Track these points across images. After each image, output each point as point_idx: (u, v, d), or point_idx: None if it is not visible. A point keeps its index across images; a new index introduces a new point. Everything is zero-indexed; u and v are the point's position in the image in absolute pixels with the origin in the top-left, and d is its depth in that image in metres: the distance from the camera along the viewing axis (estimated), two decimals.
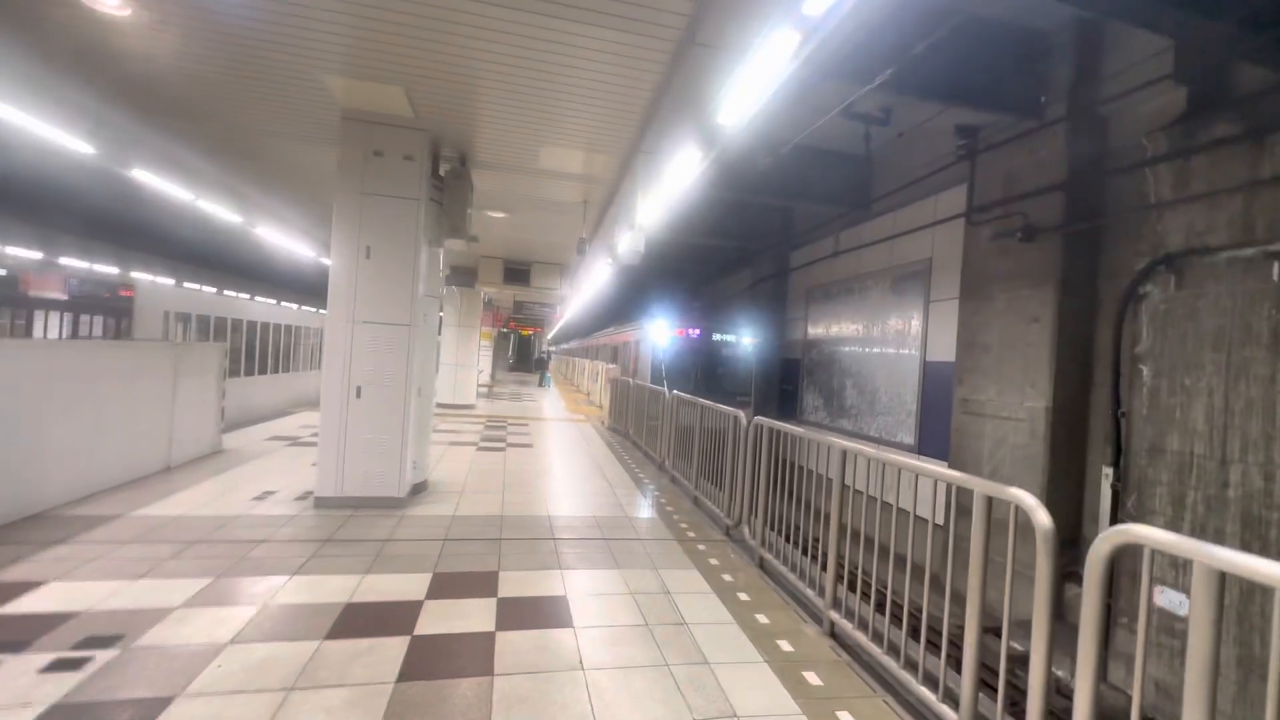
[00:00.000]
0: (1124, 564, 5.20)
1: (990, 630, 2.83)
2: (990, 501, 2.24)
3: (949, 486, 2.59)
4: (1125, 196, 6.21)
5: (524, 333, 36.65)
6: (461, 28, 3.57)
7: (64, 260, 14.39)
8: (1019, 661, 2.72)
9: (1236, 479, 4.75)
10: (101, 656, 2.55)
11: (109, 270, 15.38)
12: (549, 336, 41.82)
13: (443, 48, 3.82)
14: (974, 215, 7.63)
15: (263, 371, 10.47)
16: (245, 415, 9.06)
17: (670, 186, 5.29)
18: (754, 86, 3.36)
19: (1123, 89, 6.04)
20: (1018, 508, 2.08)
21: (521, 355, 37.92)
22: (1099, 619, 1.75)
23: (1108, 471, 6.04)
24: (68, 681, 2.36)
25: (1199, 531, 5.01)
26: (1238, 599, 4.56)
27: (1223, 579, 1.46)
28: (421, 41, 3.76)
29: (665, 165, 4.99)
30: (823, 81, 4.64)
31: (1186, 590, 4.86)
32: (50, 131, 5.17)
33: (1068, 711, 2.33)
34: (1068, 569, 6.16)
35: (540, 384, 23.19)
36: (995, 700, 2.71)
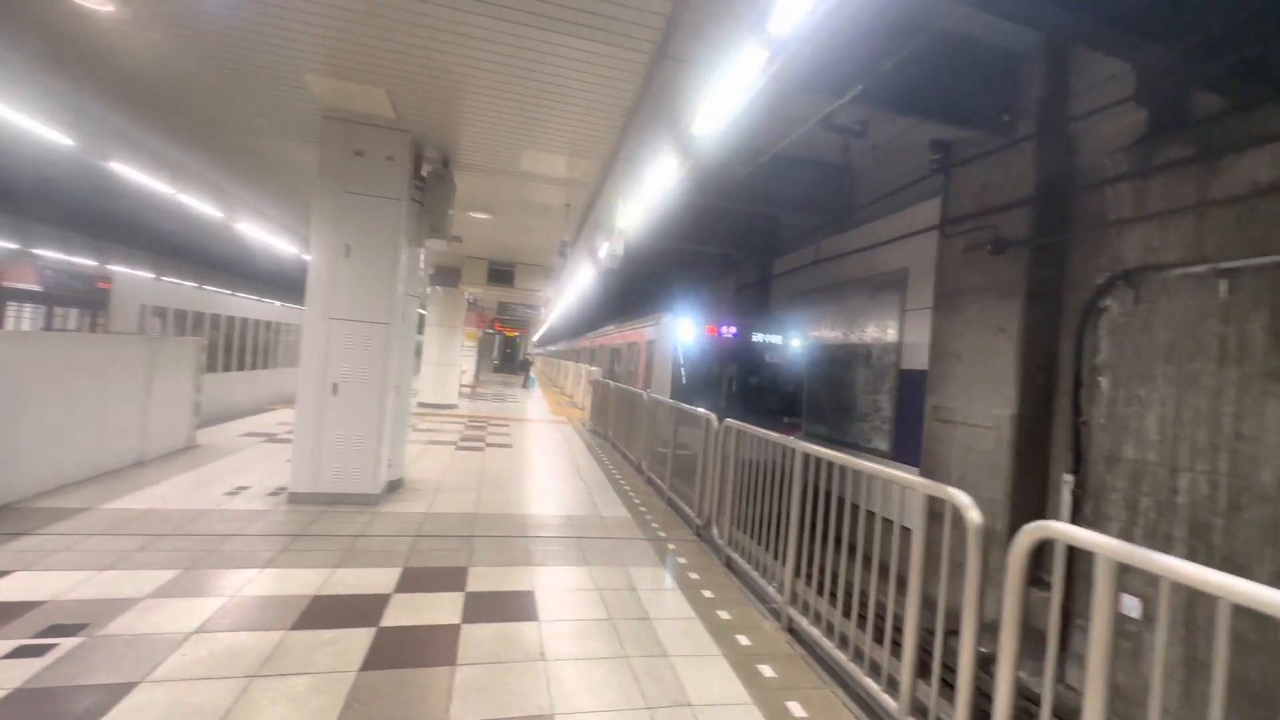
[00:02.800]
0: (1080, 568, 5.38)
1: (951, 633, 2.95)
2: (930, 500, 2.37)
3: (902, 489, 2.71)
4: (1089, 213, 6.45)
5: (509, 334, 36.59)
6: (444, 33, 3.65)
7: (39, 251, 14.17)
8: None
9: (1185, 486, 4.96)
10: (65, 644, 2.57)
11: (85, 262, 15.17)
12: (534, 339, 41.75)
13: (425, 51, 3.89)
14: (947, 227, 7.84)
15: (240, 368, 10.39)
16: (223, 411, 9.00)
17: (649, 192, 5.41)
18: (726, 99, 3.49)
19: (1088, 109, 6.28)
20: (954, 506, 2.20)
21: (506, 357, 37.82)
22: (1019, 606, 1.88)
23: (1068, 478, 6.25)
24: (29, 668, 2.38)
25: (1151, 536, 5.21)
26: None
27: (1120, 570, 1.59)
28: (404, 44, 3.83)
29: (644, 172, 5.10)
30: (796, 95, 4.79)
31: (1137, 595, 5.06)
32: (29, 122, 5.15)
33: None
34: (1033, 575, 6.36)
35: (524, 385, 23.18)
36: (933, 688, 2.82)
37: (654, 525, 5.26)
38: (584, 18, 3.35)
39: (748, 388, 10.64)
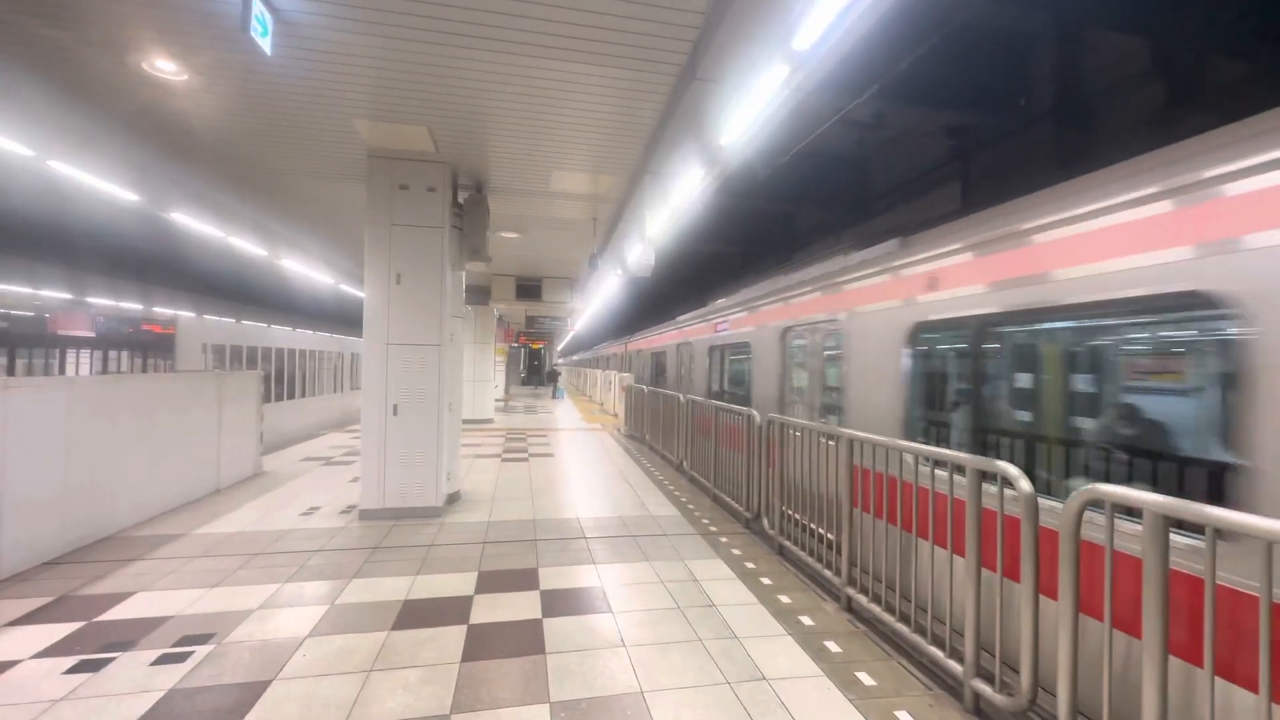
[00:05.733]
0: None
1: None
2: (981, 475, 2.53)
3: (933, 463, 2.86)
4: None
5: (534, 346, 37.12)
6: (479, 72, 3.93)
7: (122, 303, 15.20)
8: None
9: None
10: (200, 651, 2.88)
11: (159, 309, 16.33)
12: (559, 348, 42.21)
13: (461, 88, 4.17)
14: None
15: (290, 397, 10.88)
16: (277, 439, 9.46)
17: (676, 201, 5.63)
18: (750, 112, 3.70)
19: (1105, 84, 6.33)
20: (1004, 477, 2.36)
21: (532, 369, 38.38)
22: (1073, 569, 2.03)
23: None
24: (177, 671, 2.69)
25: None
26: None
27: (1166, 523, 1.75)
28: (444, 85, 4.12)
29: (671, 183, 5.33)
30: (812, 98, 4.97)
31: None
32: (100, 184, 5.60)
33: None
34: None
35: (553, 396, 23.56)
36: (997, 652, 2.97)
37: (704, 520, 5.46)
38: (610, 48, 3.59)
39: None
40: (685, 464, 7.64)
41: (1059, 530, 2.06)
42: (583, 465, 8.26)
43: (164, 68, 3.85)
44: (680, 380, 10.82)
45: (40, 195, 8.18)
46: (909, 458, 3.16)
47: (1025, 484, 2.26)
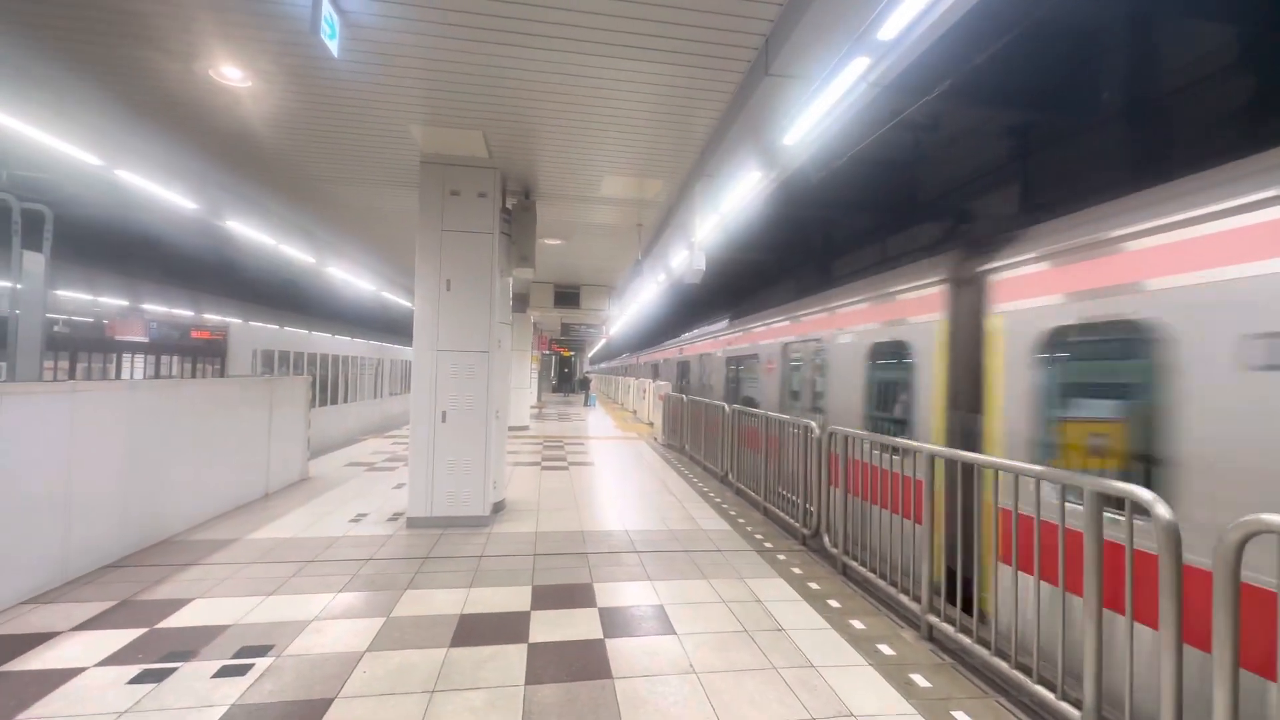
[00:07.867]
0: None
1: None
2: (1100, 498, 2.29)
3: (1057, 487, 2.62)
4: None
5: (564, 354, 37.30)
6: (538, 73, 3.84)
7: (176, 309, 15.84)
8: None
9: None
10: (260, 664, 2.81)
11: (212, 317, 17.08)
12: (589, 356, 42.33)
13: (520, 91, 4.10)
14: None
15: (334, 402, 11.03)
16: (319, 444, 9.56)
17: (729, 205, 5.48)
18: (822, 108, 3.53)
19: (1184, 81, 5.95)
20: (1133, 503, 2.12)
21: (562, 376, 38.52)
22: (1233, 610, 1.79)
23: None
24: (238, 685, 2.62)
25: None
26: None
27: None
28: (501, 87, 4.05)
29: (726, 186, 5.18)
30: (880, 95, 4.76)
31: None
32: (163, 192, 5.73)
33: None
34: None
35: (585, 403, 23.52)
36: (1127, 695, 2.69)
37: (757, 536, 5.24)
38: (679, 44, 3.46)
39: None
40: (730, 475, 7.42)
41: (1212, 570, 1.82)
42: (623, 475, 8.11)
43: (229, 74, 3.87)
44: None
45: (111, 206, 8.47)
46: (1006, 477, 2.93)
47: (1163, 510, 2.01)
